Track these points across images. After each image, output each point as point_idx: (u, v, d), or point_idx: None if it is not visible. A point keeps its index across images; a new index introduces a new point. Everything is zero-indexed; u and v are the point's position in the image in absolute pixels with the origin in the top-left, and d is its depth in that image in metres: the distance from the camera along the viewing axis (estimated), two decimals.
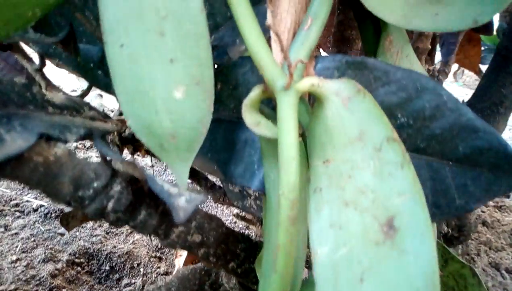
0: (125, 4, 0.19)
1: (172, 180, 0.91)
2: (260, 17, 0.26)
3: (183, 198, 0.18)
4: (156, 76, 0.19)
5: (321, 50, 0.96)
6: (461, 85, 2.03)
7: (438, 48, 0.87)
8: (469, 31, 0.90)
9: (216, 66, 0.25)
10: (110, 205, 0.20)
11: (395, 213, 0.15)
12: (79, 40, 0.26)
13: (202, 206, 0.89)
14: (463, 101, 0.36)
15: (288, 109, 0.18)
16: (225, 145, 0.23)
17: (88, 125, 0.24)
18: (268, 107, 0.22)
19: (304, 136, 0.21)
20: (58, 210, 0.75)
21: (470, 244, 0.80)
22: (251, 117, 0.19)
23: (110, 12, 0.19)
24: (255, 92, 0.20)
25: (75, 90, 1.44)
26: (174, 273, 0.67)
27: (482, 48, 1.01)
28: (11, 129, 0.17)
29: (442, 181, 0.21)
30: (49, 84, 0.32)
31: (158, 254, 0.74)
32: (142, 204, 0.21)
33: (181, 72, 0.20)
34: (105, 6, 0.19)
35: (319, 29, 0.21)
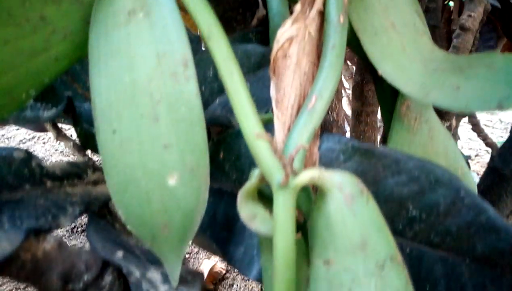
0: (117, 87, 0.19)
1: None
2: (264, 81, 0.25)
3: None
4: (149, 164, 0.19)
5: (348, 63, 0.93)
6: None
7: None
8: (508, 40, 0.85)
9: (219, 133, 0.24)
10: None
11: None
12: (84, 100, 0.26)
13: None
14: (491, 157, 0.33)
15: (284, 209, 0.17)
16: (225, 222, 0.22)
17: (88, 194, 0.23)
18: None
19: (305, 226, 0.19)
20: (84, 224, 0.77)
21: None
22: (247, 210, 0.18)
23: (102, 96, 0.19)
24: (252, 182, 0.19)
25: None
26: None
27: None
28: None
29: (458, 278, 0.19)
30: (59, 134, 0.32)
31: None
32: None
33: (175, 158, 0.19)
34: (97, 91, 0.19)
35: (324, 109, 0.19)
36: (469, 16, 0.45)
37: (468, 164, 0.88)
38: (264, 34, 0.27)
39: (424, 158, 0.18)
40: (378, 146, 0.53)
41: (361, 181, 0.18)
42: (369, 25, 0.23)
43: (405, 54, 0.23)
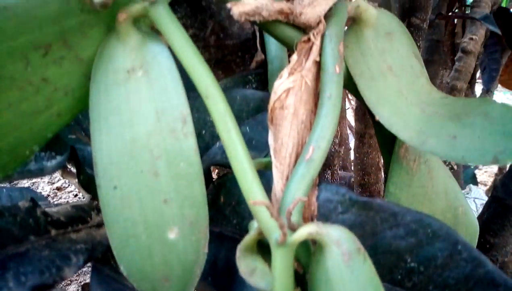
0: (118, 144, 0.19)
1: None
2: (263, 124, 0.25)
3: None
4: (149, 218, 0.19)
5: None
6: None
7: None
8: None
9: (218, 177, 0.24)
10: None
11: None
12: (87, 143, 0.27)
13: None
14: (493, 187, 0.33)
15: (282, 265, 0.17)
16: (226, 269, 0.22)
17: (92, 240, 0.23)
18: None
19: (304, 277, 0.20)
20: None
21: None
22: (246, 264, 0.18)
23: (103, 152, 0.19)
24: (251, 236, 0.19)
25: None
26: None
27: None
28: (3, 287, 0.17)
29: None
30: (64, 171, 0.32)
31: None
32: None
33: (175, 212, 0.19)
34: (98, 147, 0.19)
35: (321, 159, 0.20)
36: (471, 39, 0.44)
37: (475, 175, 0.86)
38: (263, 76, 0.27)
39: (421, 211, 0.18)
40: (382, 168, 0.53)
41: (359, 234, 0.18)
42: (366, 70, 0.23)
43: (402, 98, 0.23)
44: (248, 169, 0.18)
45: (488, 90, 0.77)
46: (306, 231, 0.18)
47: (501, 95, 1.89)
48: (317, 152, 0.20)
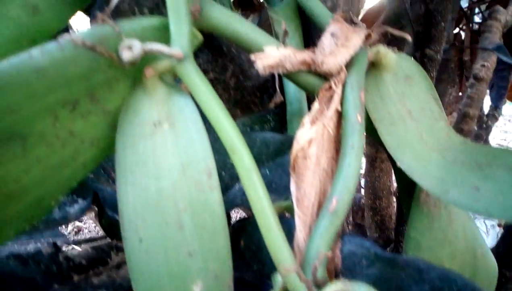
0: (144, 196, 0.19)
1: None
2: (283, 167, 0.25)
3: None
4: (174, 271, 0.19)
5: None
6: None
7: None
8: None
9: (238, 221, 0.24)
10: None
11: None
12: (111, 184, 0.27)
13: None
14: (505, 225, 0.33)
15: None
16: None
17: (112, 283, 0.24)
18: None
19: None
20: None
21: None
22: None
23: (129, 205, 0.19)
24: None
25: None
26: None
27: None
28: None
29: None
30: None
31: None
32: None
33: (199, 265, 0.19)
34: (124, 199, 0.19)
35: (345, 210, 0.20)
36: (483, 66, 0.45)
37: None
38: (281, 115, 0.27)
39: (446, 268, 0.18)
40: (393, 192, 0.53)
41: (385, 289, 0.18)
42: (386, 114, 0.23)
43: (423, 143, 0.23)
44: (274, 224, 0.18)
45: (496, 107, 0.77)
46: (332, 289, 0.18)
47: (506, 106, 1.89)
48: (340, 203, 0.20)
